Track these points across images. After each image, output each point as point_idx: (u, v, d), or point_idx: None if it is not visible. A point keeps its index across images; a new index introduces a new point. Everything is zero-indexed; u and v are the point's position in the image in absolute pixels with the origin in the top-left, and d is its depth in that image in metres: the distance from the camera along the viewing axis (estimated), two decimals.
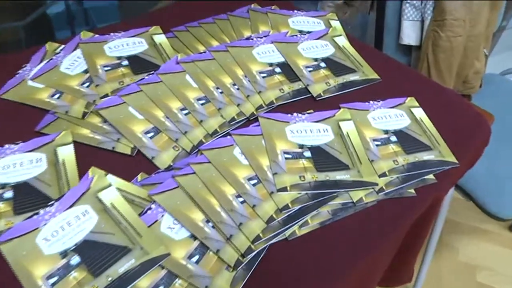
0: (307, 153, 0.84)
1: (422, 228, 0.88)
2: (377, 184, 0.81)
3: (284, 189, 0.78)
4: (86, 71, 0.93)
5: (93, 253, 0.62)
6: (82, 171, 0.76)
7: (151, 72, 0.94)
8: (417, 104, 0.98)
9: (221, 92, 0.94)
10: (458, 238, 1.51)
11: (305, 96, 0.95)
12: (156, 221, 0.72)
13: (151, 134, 0.85)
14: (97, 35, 1.00)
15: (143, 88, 0.91)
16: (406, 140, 0.89)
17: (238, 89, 0.95)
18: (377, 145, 0.87)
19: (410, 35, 1.36)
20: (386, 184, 0.82)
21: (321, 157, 0.84)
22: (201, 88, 0.93)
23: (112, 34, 1.01)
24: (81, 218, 0.68)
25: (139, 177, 0.79)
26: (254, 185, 0.78)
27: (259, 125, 0.88)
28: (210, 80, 0.95)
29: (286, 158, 0.82)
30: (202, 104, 0.91)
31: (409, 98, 0.98)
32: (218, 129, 0.87)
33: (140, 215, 0.72)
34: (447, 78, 1.40)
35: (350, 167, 0.83)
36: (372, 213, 0.78)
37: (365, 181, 0.81)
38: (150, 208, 0.73)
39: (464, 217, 1.54)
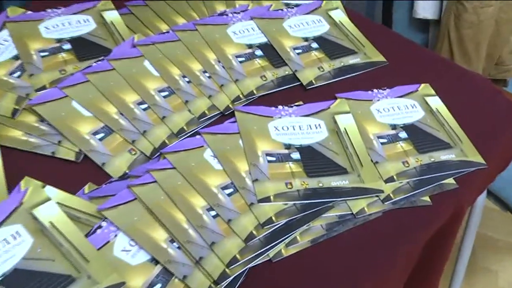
0: (295, 155, 0.86)
1: (442, 246, 0.90)
2: (382, 191, 0.83)
3: (266, 200, 0.79)
4: (16, 57, 0.93)
5: (26, 286, 0.63)
6: (12, 183, 0.76)
7: (101, 58, 0.96)
8: (433, 92, 0.99)
9: (188, 82, 0.95)
10: (497, 259, 1.51)
11: (292, 85, 0.97)
12: (108, 242, 0.73)
13: (101, 135, 0.86)
14: (29, 12, 1.00)
15: (91, 78, 0.92)
16: (419, 137, 0.91)
17: (209, 77, 0.96)
18: (382, 144, 0.89)
19: (426, 7, 1.39)
20: (394, 191, 0.83)
21: (312, 159, 0.85)
22: (163, 77, 0.94)
23: (49, 10, 1.02)
24: (10, 242, 0.68)
25: (86, 188, 0.80)
26: (229, 195, 0.79)
27: (235, 122, 0.89)
28: (174, 66, 0.96)
29: (269, 161, 0.84)
30: (165, 97, 0.92)
31: (423, 85, 1.00)
32: (185, 127, 0.89)
33: (87, 235, 0.73)
34: (474, 60, 1.43)
35: (349, 170, 0.85)
36: (376, 228, 0.80)
37: (368, 188, 0.83)
38: (100, 227, 0.75)
39: (503, 232, 1.53)
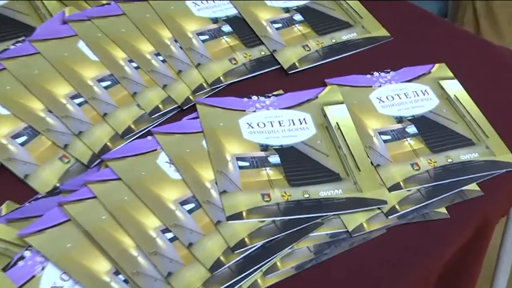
0: (274, 158, 0.86)
1: (466, 271, 0.91)
2: (385, 202, 0.84)
3: (237, 216, 0.79)
4: None
5: None
6: None
7: (20, 39, 0.96)
8: (450, 74, 1.00)
9: (136, 68, 0.95)
10: None
11: (270, 69, 0.97)
12: (33, 277, 0.73)
13: (23, 138, 0.86)
14: None
15: (8, 65, 0.92)
16: (432, 131, 0.92)
17: (163, 61, 0.96)
18: (385, 141, 0.90)
19: None
20: (401, 202, 0.84)
21: (296, 164, 0.86)
22: (104, 62, 0.94)
23: None
24: None
25: (3, 208, 0.80)
26: (190, 211, 0.79)
27: (197, 118, 0.90)
28: (118, 49, 0.96)
29: (240, 168, 0.84)
30: (106, 88, 0.92)
31: (437, 65, 1.01)
32: (132, 126, 0.89)
33: (5, 269, 0.74)
34: (507, 34, 1.45)
35: (343, 176, 0.86)
36: (379, 250, 0.80)
37: (367, 199, 0.83)
38: (21, 258, 0.75)
39: None
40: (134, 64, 0.93)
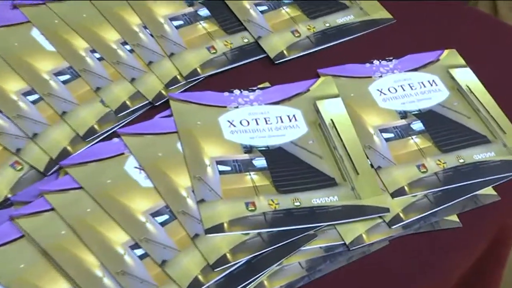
0: (260, 161, 0.86)
1: (484, 284, 0.92)
2: (388, 210, 0.83)
3: (218, 229, 0.79)
4: None
5: None
6: None
7: None
8: (462, 61, 1.00)
9: (100, 59, 0.95)
10: None
11: (254, 59, 0.98)
12: None
13: None
14: None
15: None
16: (441, 128, 0.92)
17: (131, 51, 0.96)
18: (387, 140, 0.90)
19: None
20: (406, 209, 0.84)
21: (285, 167, 0.86)
22: (61, 53, 0.94)
23: None
24: None
25: None
26: (163, 224, 0.79)
27: (171, 116, 0.90)
28: (78, 37, 0.96)
29: (221, 172, 0.84)
30: (64, 82, 0.92)
31: (447, 52, 1.01)
32: (96, 127, 0.89)
33: None
34: None
35: (338, 181, 0.86)
36: (381, 264, 0.80)
37: (366, 206, 0.83)
38: None
39: None
40: (97, 55, 0.93)
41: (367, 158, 0.87)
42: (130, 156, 0.84)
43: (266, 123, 0.88)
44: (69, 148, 0.85)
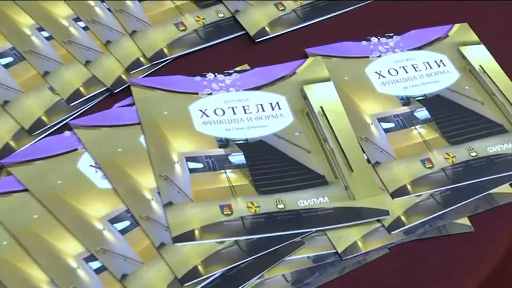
0: (237, 157, 0.86)
1: None
2: (387, 213, 0.83)
3: (188, 237, 0.79)
4: None
5: None
6: None
7: None
8: (474, 37, 1.00)
9: (48, 38, 0.94)
10: None
11: (231, 36, 0.98)
12: None
13: None
14: None
15: None
16: (450, 116, 0.92)
17: (85, 28, 0.95)
18: (387, 131, 0.90)
19: None
20: (408, 212, 0.84)
21: (267, 164, 0.86)
22: (2, 32, 0.93)
23: None
24: None
25: None
26: (123, 231, 0.79)
27: (132, 104, 0.90)
28: (23, 12, 0.95)
29: (192, 171, 0.84)
30: (6, 66, 0.91)
31: (457, 26, 1.02)
32: (44, 118, 0.88)
33: None
34: None
35: (329, 179, 0.85)
36: (379, 275, 0.80)
37: (362, 208, 0.83)
38: None
39: None
40: (45, 34, 0.93)
41: (363, 152, 0.87)
42: (84, 153, 0.84)
43: (245, 112, 0.88)
44: (12, 143, 0.85)
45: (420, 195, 0.84)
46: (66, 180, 0.81)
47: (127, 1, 0.95)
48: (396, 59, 0.95)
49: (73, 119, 0.87)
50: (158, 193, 0.81)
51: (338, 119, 0.89)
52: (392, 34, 0.98)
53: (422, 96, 0.92)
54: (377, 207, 0.83)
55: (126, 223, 0.80)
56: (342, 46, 0.95)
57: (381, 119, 0.90)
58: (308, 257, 0.79)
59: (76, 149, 0.84)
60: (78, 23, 0.93)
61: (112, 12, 0.94)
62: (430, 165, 0.87)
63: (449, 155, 0.87)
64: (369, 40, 0.97)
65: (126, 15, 0.94)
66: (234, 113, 0.88)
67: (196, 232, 0.79)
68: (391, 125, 0.90)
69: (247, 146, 0.86)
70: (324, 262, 0.79)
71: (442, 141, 0.89)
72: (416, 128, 0.90)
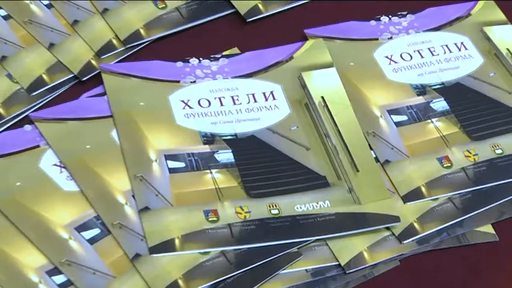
0: (225, 155, 0.86)
1: None
2: (398, 220, 0.83)
3: (167, 247, 0.79)
4: None
5: None
6: None
7: None
8: (501, 15, 1.01)
9: (5, 17, 0.94)
10: None
11: (219, 15, 0.98)
12: None
13: None
14: None
15: None
16: (471, 107, 0.93)
17: (49, 6, 0.96)
18: (398, 124, 0.91)
19: None
20: (423, 218, 0.84)
21: (259, 162, 0.86)
22: None
23: None
24: None
25: None
26: (92, 241, 0.79)
27: (103, 94, 0.90)
28: None
29: (172, 170, 0.85)
30: None
31: (481, 3, 1.02)
32: (0, 110, 0.88)
33: None
34: None
35: (331, 180, 0.86)
36: None
37: (369, 214, 0.83)
38: None
39: None
40: (2, 12, 0.93)
41: (371, 149, 0.87)
42: (47, 150, 0.84)
43: (234, 103, 0.89)
44: None
45: (436, 199, 0.85)
46: (25, 181, 0.82)
47: None
48: (410, 41, 0.96)
49: (34, 111, 0.87)
50: (133, 196, 0.82)
51: (342, 111, 0.89)
52: (405, 13, 0.98)
53: (439, 85, 0.93)
54: (386, 212, 0.83)
55: (96, 231, 0.80)
56: (347, 27, 0.95)
57: (392, 111, 0.90)
58: (306, 270, 0.80)
59: (37, 146, 0.85)
60: (41, 0, 0.93)
61: None
62: (448, 164, 0.87)
63: (470, 153, 0.88)
64: (379, 19, 0.97)
65: None
66: (222, 104, 0.89)
67: (176, 241, 0.79)
68: (404, 118, 0.90)
69: (236, 142, 0.87)
70: (325, 276, 0.80)
71: (462, 136, 0.89)
72: (432, 122, 0.90)
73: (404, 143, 0.88)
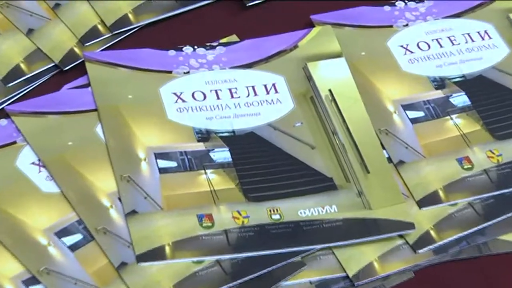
0: (221, 154, 0.87)
1: None
2: (413, 227, 0.83)
3: (156, 255, 0.79)
4: None
5: None
6: None
7: None
8: None
9: None
10: None
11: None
12: None
13: None
14: None
15: None
16: (495, 103, 0.93)
17: None
18: (414, 121, 0.91)
19: None
20: (440, 225, 0.84)
21: (259, 162, 0.86)
22: None
23: None
24: None
25: None
26: (73, 247, 0.79)
27: (87, 85, 0.90)
28: None
29: (162, 170, 0.85)
30: None
31: None
32: None
33: None
34: None
35: (339, 183, 0.86)
36: None
37: (380, 220, 0.83)
38: None
39: None
40: None
41: (383, 148, 0.88)
42: (24, 146, 0.85)
43: (232, 96, 0.89)
44: None
45: (455, 204, 0.85)
46: (0, 181, 0.82)
47: None
48: (427, 29, 0.96)
49: (11, 103, 0.88)
50: (119, 199, 0.82)
51: (351, 105, 0.89)
52: None
53: (460, 77, 0.93)
54: (400, 218, 0.83)
55: (78, 236, 0.80)
56: (358, 12, 0.96)
57: (407, 106, 0.90)
58: (310, 282, 0.80)
59: (14, 142, 0.85)
60: None
61: None
62: (469, 166, 0.87)
63: (493, 153, 0.88)
64: (394, 4, 0.98)
65: None
66: (218, 98, 0.89)
67: (167, 248, 0.79)
68: (420, 113, 0.90)
69: (233, 140, 0.87)
70: None
71: (485, 134, 0.90)
72: (451, 118, 0.90)
73: (420, 142, 0.89)
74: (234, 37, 0.93)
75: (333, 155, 0.87)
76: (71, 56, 0.90)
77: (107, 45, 0.92)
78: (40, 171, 0.83)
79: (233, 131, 0.88)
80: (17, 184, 0.83)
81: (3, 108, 0.87)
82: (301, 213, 0.83)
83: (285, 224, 0.82)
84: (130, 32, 0.93)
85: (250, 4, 0.95)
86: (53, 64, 0.89)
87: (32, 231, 0.80)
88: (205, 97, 0.89)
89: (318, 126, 0.89)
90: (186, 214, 0.82)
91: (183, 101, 0.89)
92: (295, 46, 0.93)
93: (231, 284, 0.78)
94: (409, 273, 0.82)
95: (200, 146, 0.87)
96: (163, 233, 0.81)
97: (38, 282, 0.77)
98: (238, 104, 0.89)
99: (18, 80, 0.88)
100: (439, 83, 0.92)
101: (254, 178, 0.85)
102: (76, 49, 0.91)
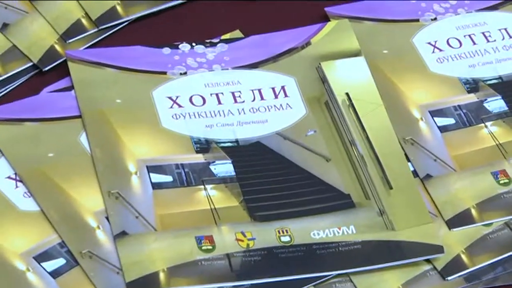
0: (223, 167, 0.88)
1: None
2: (442, 251, 0.84)
3: (148, 283, 0.80)
4: None
5: None
6: None
7: None
8: None
9: None
10: None
11: None
12: None
13: None
14: None
15: None
16: None
17: None
18: (443, 129, 0.92)
19: None
20: (473, 248, 0.85)
21: (266, 176, 0.88)
22: None
23: None
24: None
25: None
26: (55, 274, 0.81)
27: (70, 89, 0.92)
28: None
29: (156, 186, 0.87)
30: None
31: None
32: None
33: None
34: None
35: (356, 199, 0.87)
36: None
37: (404, 243, 0.84)
38: None
39: None
40: None
41: (408, 160, 0.89)
42: (0, 158, 0.86)
43: (235, 101, 0.91)
44: None
45: (490, 224, 0.86)
46: None
47: None
48: (458, 24, 0.97)
49: None
50: (107, 218, 0.84)
51: (372, 111, 0.91)
52: None
53: (496, 79, 0.94)
54: (427, 241, 0.84)
55: (60, 261, 0.82)
56: (379, 4, 0.97)
57: (435, 112, 0.92)
58: None
59: None
60: None
61: None
62: (506, 180, 0.89)
63: None
64: None
65: None
66: (220, 103, 0.91)
67: (161, 275, 0.81)
68: (450, 121, 0.91)
69: (237, 151, 0.88)
70: None
71: None
72: (486, 126, 0.91)
73: (450, 154, 0.90)
74: (237, 33, 0.95)
75: (351, 169, 0.89)
76: (51, 54, 0.92)
77: (93, 42, 0.94)
78: (17, 187, 0.85)
79: (237, 141, 0.89)
80: None
81: None
82: (314, 234, 0.84)
83: (296, 247, 0.83)
84: (119, 27, 0.95)
85: None
86: (31, 63, 0.91)
87: (8, 255, 0.81)
88: (204, 102, 0.91)
89: (333, 135, 0.90)
90: (183, 235, 0.83)
91: (180, 106, 0.90)
92: (307, 43, 0.94)
93: None
94: None
95: (199, 158, 0.88)
96: (156, 258, 0.82)
97: None
98: (242, 109, 0.91)
99: None
100: (472, 85, 0.94)
101: (261, 195, 0.86)
102: (57, 47, 0.92)
